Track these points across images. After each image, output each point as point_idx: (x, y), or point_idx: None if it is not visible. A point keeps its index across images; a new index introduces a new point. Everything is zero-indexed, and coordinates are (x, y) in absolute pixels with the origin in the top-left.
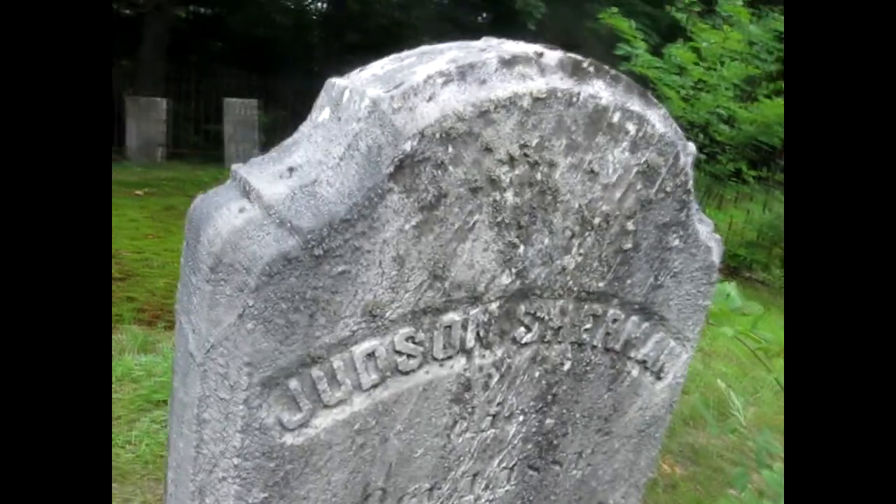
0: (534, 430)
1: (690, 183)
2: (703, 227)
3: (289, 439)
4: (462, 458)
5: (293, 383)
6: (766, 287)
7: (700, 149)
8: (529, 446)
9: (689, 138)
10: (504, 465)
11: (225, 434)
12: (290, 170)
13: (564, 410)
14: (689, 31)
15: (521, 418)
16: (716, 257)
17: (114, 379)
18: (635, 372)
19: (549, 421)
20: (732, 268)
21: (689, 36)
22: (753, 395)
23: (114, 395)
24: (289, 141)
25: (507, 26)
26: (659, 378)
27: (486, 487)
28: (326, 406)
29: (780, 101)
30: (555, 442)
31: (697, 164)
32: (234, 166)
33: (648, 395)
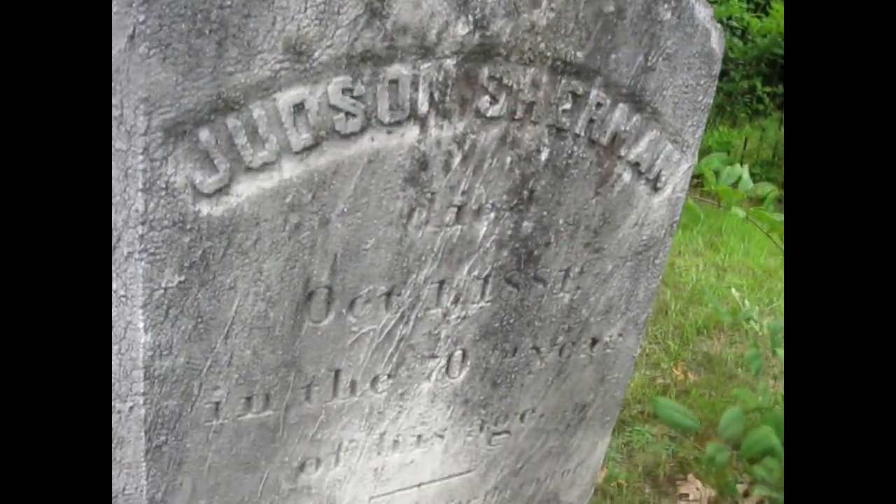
0: (509, 233)
1: None
2: (702, 8)
3: (205, 208)
4: (424, 259)
5: (204, 134)
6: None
7: None
8: (505, 254)
9: None
10: (476, 273)
11: (126, 196)
12: None
13: (545, 213)
14: None
15: (492, 216)
16: (716, 44)
17: None
18: (627, 176)
19: (526, 224)
20: None
21: None
22: (769, 306)
23: None
24: None
25: None
26: (656, 189)
27: (457, 300)
28: (249, 169)
29: None
30: (536, 252)
31: None
32: None
33: (644, 209)
